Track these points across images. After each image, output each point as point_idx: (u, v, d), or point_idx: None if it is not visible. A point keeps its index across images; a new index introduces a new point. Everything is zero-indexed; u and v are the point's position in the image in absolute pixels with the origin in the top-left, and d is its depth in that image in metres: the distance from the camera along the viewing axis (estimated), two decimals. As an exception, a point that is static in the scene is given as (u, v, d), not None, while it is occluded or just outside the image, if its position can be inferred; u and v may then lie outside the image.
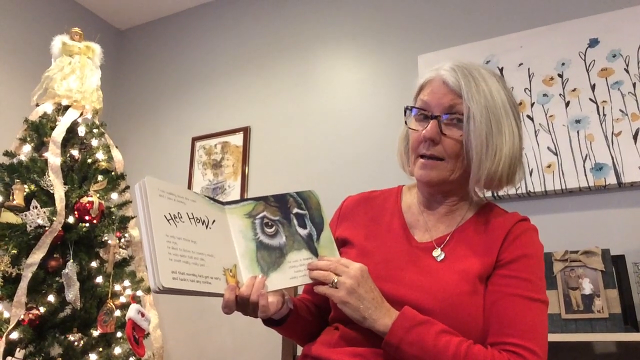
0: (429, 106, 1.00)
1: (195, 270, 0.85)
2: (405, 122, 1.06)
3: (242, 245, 0.95)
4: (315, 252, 0.99)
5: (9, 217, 2.05)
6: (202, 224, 0.91)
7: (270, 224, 0.99)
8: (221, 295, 0.88)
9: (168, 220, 0.85)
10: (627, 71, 2.04)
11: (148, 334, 2.21)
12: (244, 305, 0.90)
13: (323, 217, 1.05)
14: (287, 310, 1.02)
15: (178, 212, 0.88)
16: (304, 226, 1.01)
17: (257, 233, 0.97)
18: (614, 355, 1.83)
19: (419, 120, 1.02)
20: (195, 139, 3.02)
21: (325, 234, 1.03)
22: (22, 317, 1.89)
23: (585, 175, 1.99)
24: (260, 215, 0.99)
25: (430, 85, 1.02)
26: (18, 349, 1.86)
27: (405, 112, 1.06)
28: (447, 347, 0.86)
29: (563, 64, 2.15)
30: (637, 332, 1.64)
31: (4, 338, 1.82)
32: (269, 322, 1.03)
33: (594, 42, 2.12)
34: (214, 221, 0.94)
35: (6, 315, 1.93)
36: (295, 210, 1.03)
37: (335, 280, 0.91)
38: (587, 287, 1.70)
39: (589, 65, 2.10)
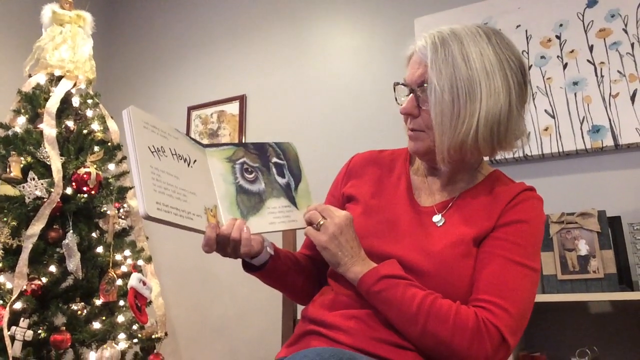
0: (407, 81, 1.01)
1: (178, 204, 0.85)
2: (396, 99, 1.07)
3: (222, 188, 0.95)
4: (293, 201, 1.01)
5: (7, 190, 2.06)
6: (184, 161, 0.92)
7: (250, 170, 1.00)
8: (202, 232, 0.89)
9: (152, 152, 0.85)
10: (625, 31, 2.01)
11: (150, 302, 2.24)
12: (224, 244, 0.92)
13: (301, 169, 1.07)
14: (267, 256, 1.04)
15: (161, 146, 0.88)
16: (282, 175, 1.03)
17: (237, 177, 0.98)
18: (609, 314, 1.87)
19: (406, 95, 1.03)
20: (190, 108, 3.00)
21: (302, 185, 1.05)
22: (24, 287, 1.91)
23: (583, 137, 1.99)
24: (241, 160, 1.00)
25: (410, 59, 1.03)
26: (22, 319, 1.88)
27: (394, 89, 1.06)
28: (413, 297, 0.88)
29: (561, 25, 2.13)
30: (632, 291, 1.67)
31: (7, 308, 1.84)
32: (248, 267, 1.05)
33: (592, 2, 2.09)
34: (195, 161, 0.94)
35: (9, 286, 1.95)
36: (274, 159, 1.04)
37: (321, 222, 0.94)
38: (583, 248, 1.72)
39: (587, 26, 2.08)
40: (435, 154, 0.97)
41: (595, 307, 1.89)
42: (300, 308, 1.16)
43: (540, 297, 1.69)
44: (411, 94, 1.00)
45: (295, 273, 1.11)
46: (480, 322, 0.86)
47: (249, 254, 0.96)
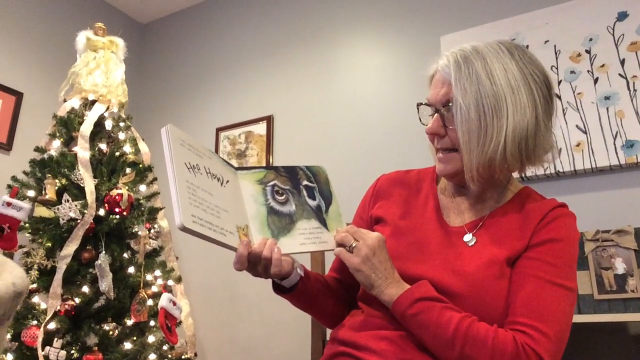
0: (431, 100, 1.01)
1: (212, 219, 0.87)
2: (420, 119, 1.07)
3: (253, 209, 0.97)
4: (324, 223, 1.01)
5: (42, 211, 2.11)
6: (218, 180, 0.94)
7: (280, 192, 1.01)
8: (234, 248, 0.89)
9: (188, 169, 0.88)
10: (658, 44, 1.97)
11: (180, 322, 2.25)
12: (255, 263, 0.92)
13: (332, 192, 1.07)
14: (297, 277, 1.03)
15: (197, 164, 0.91)
16: (313, 198, 1.04)
17: (268, 199, 0.99)
18: (649, 335, 1.80)
19: (430, 115, 1.03)
20: (219, 130, 3.04)
21: (333, 207, 1.05)
22: (58, 307, 1.94)
23: (616, 152, 1.95)
24: (271, 183, 1.01)
25: (433, 79, 1.03)
26: (56, 339, 1.91)
27: (417, 109, 1.07)
28: (449, 321, 0.86)
29: (591, 39, 2.09)
30: (673, 311, 1.61)
31: (42, 328, 1.87)
32: (279, 289, 1.05)
33: (622, 16, 2.05)
34: (227, 181, 0.96)
35: (43, 306, 1.98)
36: (305, 182, 1.05)
37: (354, 245, 0.93)
38: (620, 267, 1.67)
39: (618, 40, 2.04)
40: (464, 174, 0.97)
41: (635, 327, 1.82)
42: (329, 329, 1.15)
43: (577, 318, 1.64)
44: (436, 114, 1.00)
45: (325, 296, 1.10)
46: (519, 348, 0.84)
47: (279, 274, 0.96)
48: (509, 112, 0.92)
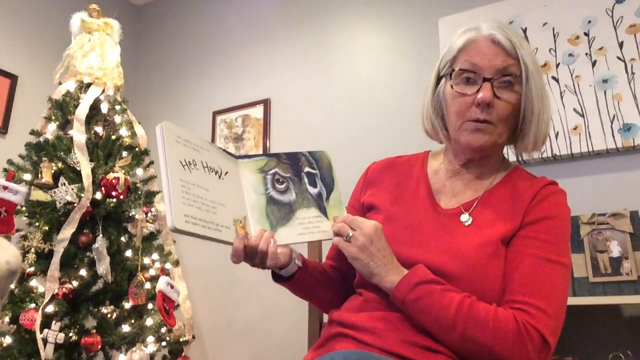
0: (479, 68, 0.97)
1: (207, 216, 0.86)
2: (436, 85, 1.06)
3: (253, 199, 0.96)
4: (324, 211, 1.01)
5: (39, 195, 2.10)
6: (215, 173, 0.93)
7: (281, 180, 1.00)
8: (230, 243, 0.89)
9: (183, 166, 0.87)
10: (657, 27, 1.96)
11: (178, 305, 2.27)
12: (252, 255, 0.92)
13: (334, 178, 1.06)
14: (295, 267, 1.03)
15: (193, 160, 0.89)
16: (314, 185, 1.03)
17: (267, 188, 0.98)
18: (643, 317, 1.82)
19: (464, 83, 0.99)
20: (216, 113, 3.02)
21: (334, 194, 1.04)
22: (56, 291, 1.95)
23: (613, 136, 1.94)
24: (272, 171, 1.00)
25: (475, 46, 0.98)
26: (54, 322, 1.92)
27: (446, 75, 1.03)
28: (450, 303, 0.87)
29: (589, 21, 2.08)
30: (667, 293, 1.62)
31: (40, 311, 1.88)
32: (278, 278, 1.05)
33: (621, -2, 2.04)
34: (226, 173, 0.95)
35: (41, 289, 1.99)
36: (307, 169, 1.04)
37: (350, 234, 0.93)
38: (615, 250, 1.68)
39: (617, 22, 2.03)
40: (495, 147, 1.01)
41: (629, 310, 1.84)
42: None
43: (572, 300, 1.65)
44: (486, 82, 0.96)
45: (324, 285, 1.11)
46: (520, 326, 0.85)
47: (275, 266, 0.96)
48: (548, 92, 1.01)
